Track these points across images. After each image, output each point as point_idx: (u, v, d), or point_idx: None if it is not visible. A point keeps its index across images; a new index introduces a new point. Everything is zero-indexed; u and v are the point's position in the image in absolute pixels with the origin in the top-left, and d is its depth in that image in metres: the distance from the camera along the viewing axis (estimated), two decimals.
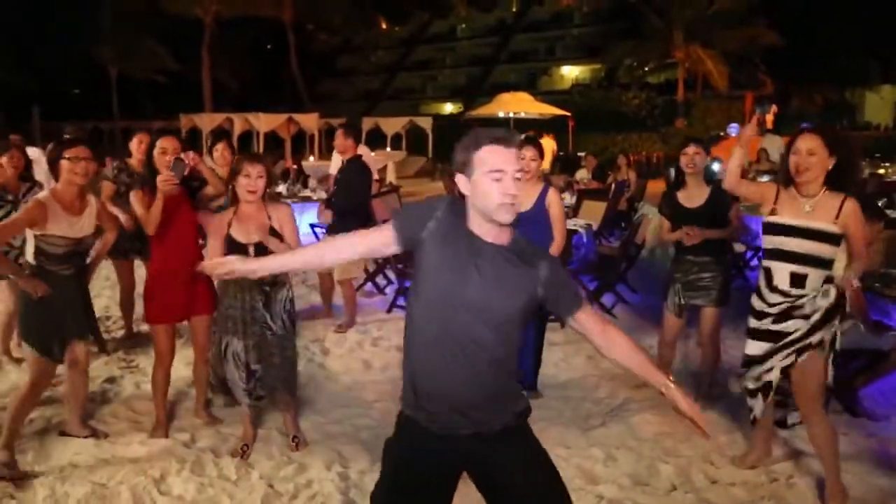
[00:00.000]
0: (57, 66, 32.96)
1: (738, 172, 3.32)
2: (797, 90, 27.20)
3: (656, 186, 11.51)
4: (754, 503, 3.15)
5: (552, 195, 4.19)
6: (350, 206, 5.54)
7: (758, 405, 3.26)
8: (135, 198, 3.60)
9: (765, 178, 10.21)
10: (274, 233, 3.46)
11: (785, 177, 3.07)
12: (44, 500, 3.23)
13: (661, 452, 3.60)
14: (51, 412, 4.15)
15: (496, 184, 1.90)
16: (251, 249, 3.39)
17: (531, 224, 4.16)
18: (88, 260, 3.78)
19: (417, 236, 1.99)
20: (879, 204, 6.68)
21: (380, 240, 2.08)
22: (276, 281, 3.50)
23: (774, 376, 3.14)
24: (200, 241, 3.97)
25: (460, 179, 1.98)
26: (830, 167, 2.97)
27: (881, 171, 10.79)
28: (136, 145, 5.16)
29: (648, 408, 4.12)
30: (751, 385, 3.28)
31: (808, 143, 2.95)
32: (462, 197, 1.99)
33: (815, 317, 3.02)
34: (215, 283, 3.69)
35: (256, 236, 3.41)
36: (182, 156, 3.51)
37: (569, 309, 2.07)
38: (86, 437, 3.76)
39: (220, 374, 3.62)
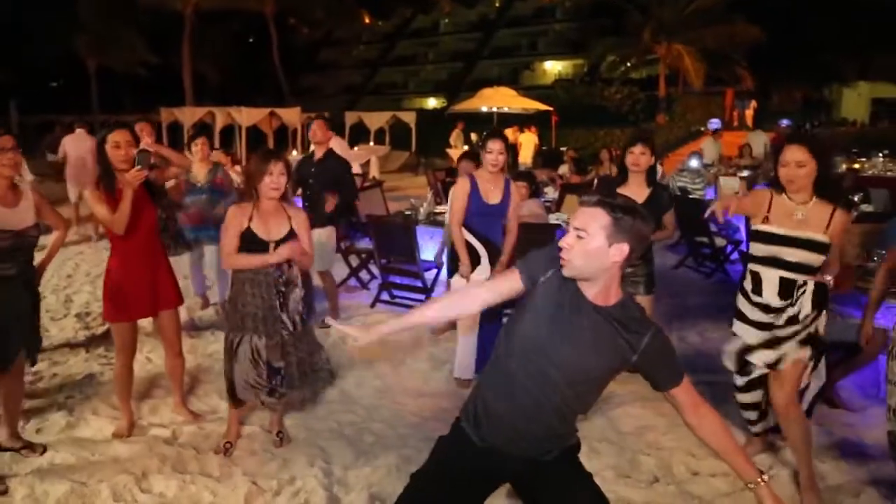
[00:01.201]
0: (35, 58, 32.35)
1: None
2: (777, 86, 27.46)
3: None
4: (735, 494, 3.17)
5: (514, 188, 4.41)
6: (337, 201, 5.49)
7: (754, 420, 3.46)
8: (92, 198, 3.47)
9: (745, 173, 10.34)
10: (294, 235, 3.41)
11: (777, 186, 3.12)
12: (22, 500, 3.19)
13: (643, 445, 3.63)
14: (30, 408, 4.08)
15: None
16: (272, 247, 3.35)
17: (498, 216, 4.34)
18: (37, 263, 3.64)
19: (537, 277, 2.06)
20: (855, 199, 6.78)
21: (509, 287, 2.11)
22: (290, 281, 3.43)
23: (759, 370, 3.19)
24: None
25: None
26: (817, 174, 3.01)
27: (857, 165, 10.93)
28: (199, 151, 5.55)
29: (630, 401, 4.15)
30: (742, 400, 3.43)
31: (797, 156, 2.99)
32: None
33: (803, 315, 3.07)
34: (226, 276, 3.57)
35: (277, 235, 3.36)
36: (143, 146, 3.44)
37: (666, 383, 2.09)
38: (19, 449, 3.55)
39: (227, 372, 3.50)
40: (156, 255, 3.72)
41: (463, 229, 4.29)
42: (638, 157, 3.99)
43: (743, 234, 7.30)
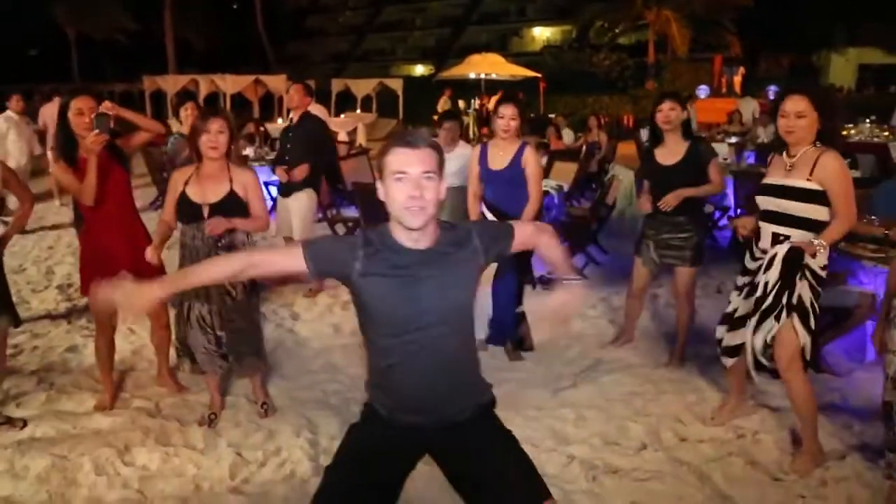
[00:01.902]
0: (12, 26, 31.50)
1: None
2: (765, 53, 27.27)
3: (627, 148, 11.51)
4: (722, 459, 3.16)
5: (529, 154, 4.06)
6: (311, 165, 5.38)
7: (728, 360, 3.34)
8: (58, 169, 3.36)
9: (734, 140, 10.28)
10: (236, 197, 3.29)
11: (777, 142, 3.03)
12: (2, 474, 3.12)
13: (631, 412, 3.60)
14: (8, 384, 4.00)
15: (398, 184, 1.86)
16: (205, 210, 3.24)
17: (505, 183, 4.10)
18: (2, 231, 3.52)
19: (343, 275, 1.95)
20: None
21: (294, 265, 1.99)
22: (232, 246, 3.31)
23: (757, 343, 3.07)
24: None
25: (379, 188, 1.96)
26: (820, 128, 2.90)
27: (844, 132, 10.89)
28: (188, 117, 5.12)
29: (618, 369, 4.13)
30: (724, 340, 3.31)
31: (797, 105, 2.88)
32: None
33: (774, 270, 2.93)
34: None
35: (213, 197, 3.24)
36: (102, 109, 3.28)
37: (507, 242, 2.09)
38: None
39: (181, 339, 3.47)
40: (132, 223, 3.60)
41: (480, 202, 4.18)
42: (668, 113, 3.86)
43: (731, 201, 7.26)
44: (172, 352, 4.07)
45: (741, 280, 3.24)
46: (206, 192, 3.26)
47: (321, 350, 4.52)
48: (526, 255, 4.24)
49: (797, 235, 2.92)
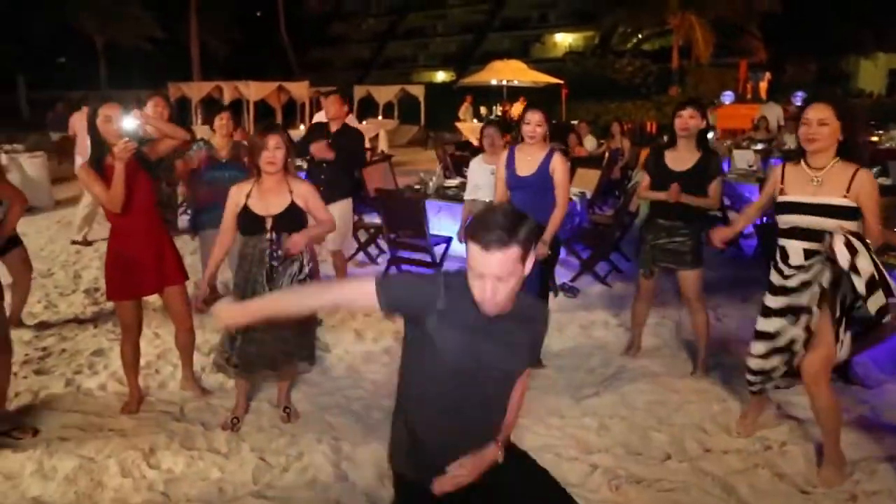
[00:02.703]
0: (43, 35, 32.10)
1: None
2: (791, 58, 26.89)
3: (647, 154, 11.40)
4: (748, 471, 3.12)
5: (557, 160, 4.05)
6: (347, 174, 5.51)
7: (754, 381, 3.29)
8: (87, 177, 3.39)
9: (760, 146, 10.15)
10: (296, 207, 3.36)
11: (797, 149, 3.01)
12: (31, 475, 3.18)
13: (655, 421, 3.58)
14: (38, 385, 4.09)
15: (477, 282, 1.80)
16: (269, 222, 3.31)
17: (531, 189, 4.08)
18: None
19: (418, 318, 1.90)
20: (873, 171, 6.61)
21: (363, 303, 1.94)
22: (286, 255, 3.35)
23: (795, 339, 3.08)
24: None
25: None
26: (842, 139, 2.89)
27: (874, 138, 10.70)
28: (222, 126, 5.10)
29: (641, 377, 4.10)
30: (753, 365, 3.25)
31: (819, 114, 2.88)
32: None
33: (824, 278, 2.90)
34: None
35: (276, 209, 3.32)
36: (131, 117, 3.36)
37: (523, 362, 2.06)
38: (8, 432, 3.45)
39: (228, 342, 3.45)
40: (157, 231, 3.65)
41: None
42: (686, 120, 3.87)
43: (778, 220, 7.14)
44: (197, 356, 4.15)
45: (777, 302, 3.12)
46: (269, 205, 3.33)
47: (343, 356, 4.54)
48: (551, 262, 4.24)
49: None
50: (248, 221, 3.34)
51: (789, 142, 10.15)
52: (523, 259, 1.78)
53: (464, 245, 1.95)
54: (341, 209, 5.38)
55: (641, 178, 4.36)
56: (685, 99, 4.12)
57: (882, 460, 3.19)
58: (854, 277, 2.75)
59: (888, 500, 2.91)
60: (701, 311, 4.11)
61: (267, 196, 3.34)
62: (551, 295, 5.11)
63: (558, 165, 4.03)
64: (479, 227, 1.75)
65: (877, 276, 2.73)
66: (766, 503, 2.89)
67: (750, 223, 3.47)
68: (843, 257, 2.76)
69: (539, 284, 4.20)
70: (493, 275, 1.76)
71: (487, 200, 4.86)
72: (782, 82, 24.16)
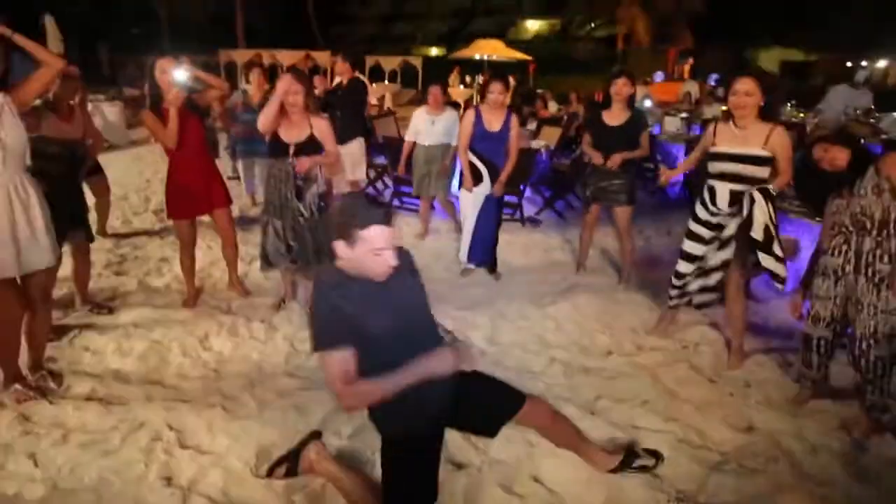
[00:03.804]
0: (120, 9, 30.16)
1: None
2: (710, 47, 26.07)
3: None
4: (670, 364, 3.06)
5: (514, 120, 3.92)
6: (359, 118, 5.30)
7: (675, 298, 3.23)
8: (147, 119, 3.19)
9: (684, 115, 9.83)
10: (314, 139, 3.17)
11: (726, 114, 2.88)
12: (112, 353, 3.06)
13: (600, 325, 3.48)
14: (117, 283, 3.92)
15: (379, 259, 1.62)
16: (292, 148, 3.16)
17: (496, 141, 3.90)
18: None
19: (353, 329, 1.64)
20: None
21: (350, 366, 1.64)
22: (308, 178, 3.21)
23: (712, 265, 3.02)
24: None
25: (339, 245, 1.64)
26: (762, 103, 2.75)
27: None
28: (256, 80, 5.40)
29: (590, 290, 3.98)
30: (675, 281, 3.17)
31: (746, 86, 2.75)
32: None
33: (758, 209, 2.74)
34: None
35: (297, 139, 3.16)
36: (181, 69, 3.14)
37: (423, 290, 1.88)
38: (34, 386, 2.64)
39: (262, 245, 3.37)
40: (207, 163, 3.43)
41: (469, 152, 3.93)
42: (621, 87, 3.72)
43: (681, 161, 6.95)
44: (240, 265, 3.97)
45: (705, 232, 2.99)
46: (292, 135, 3.15)
47: None
48: (510, 191, 4.09)
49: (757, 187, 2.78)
50: (276, 146, 3.17)
51: (707, 112, 9.84)
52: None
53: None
54: (357, 146, 5.15)
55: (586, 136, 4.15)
56: (618, 70, 3.87)
57: (769, 355, 3.14)
58: (754, 224, 2.70)
59: (773, 387, 2.87)
60: (629, 240, 4.02)
61: (292, 128, 3.16)
62: (518, 224, 4.95)
63: (515, 124, 3.91)
64: (376, 214, 1.62)
65: (770, 226, 2.69)
66: (683, 389, 2.83)
67: (689, 168, 3.34)
68: (746, 208, 2.73)
69: (495, 216, 4.07)
70: (392, 244, 1.64)
71: (427, 144, 4.71)
72: (702, 66, 23.49)
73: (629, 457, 2.18)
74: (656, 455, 2.21)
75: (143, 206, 5.95)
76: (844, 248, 2.45)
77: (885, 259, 2.34)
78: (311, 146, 3.17)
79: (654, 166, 6.89)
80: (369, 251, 1.62)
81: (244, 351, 3.11)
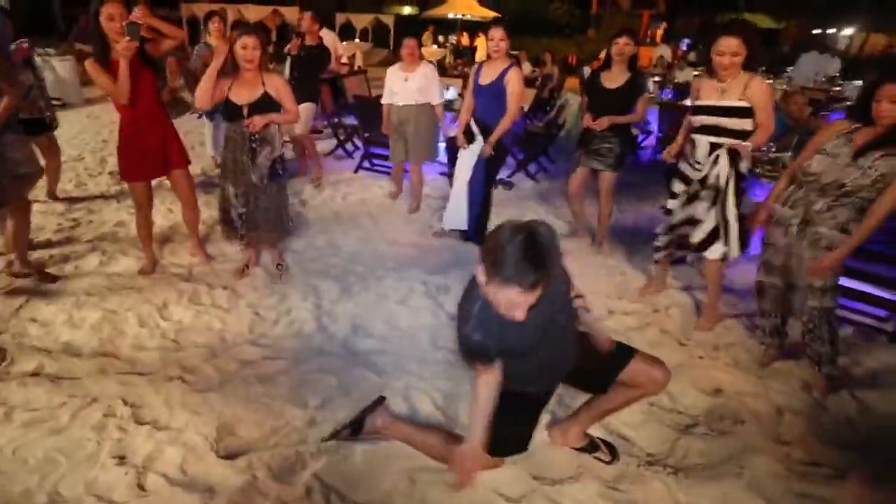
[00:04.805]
0: None
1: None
2: (682, 12, 25.75)
3: (571, 82, 10.82)
4: (642, 328, 3.03)
5: (512, 73, 3.53)
6: (314, 78, 5.05)
7: (661, 253, 3.18)
8: (93, 70, 2.82)
9: (657, 79, 9.69)
10: (268, 97, 2.93)
11: (709, 72, 2.74)
12: (62, 324, 2.85)
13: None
14: (69, 249, 3.65)
15: (507, 310, 1.46)
16: (245, 110, 2.92)
17: (490, 96, 3.62)
18: None
19: (498, 338, 1.59)
20: None
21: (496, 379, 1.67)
22: (263, 139, 2.99)
23: (692, 220, 2.94)
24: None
25: (479, 270, 1.46)
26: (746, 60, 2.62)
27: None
28: (216, 29, 4.86)
29: (565, 256, 3.89)
30: (660, 234, 3.15)
31: (731, 46, 2.58)
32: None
33: (722, 163, 2.75)
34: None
35: (250, 99, 2.92)
36: (132, 18, 2.75)
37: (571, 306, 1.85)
38: (27, 275, 3.22)
39: (220, 209, 3.17)
40: (161, 121, 3.12)
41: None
42: (622, 47, 3.45)
43: (654, 125, 6.87)
44: (201, 228, 3.74)
45: (680, 187, 2.96)
46: (244, 95, 2.91)
47: (324, 230, 4.19)
48: (496, 162, 3.88)
49: (728, 142, 2.72)
50: (229, 109, 2.93)
51: (679, 76, 9.72)
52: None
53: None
54: (307, 108, 4.85)
55: (572, 100, 3.97)
56: (621, 28, 3.65)
57: (736, 319, 3.13)
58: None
59: (740, 350, 2.87)
60: (608, 205, 3.87)
61: (243, 88, 2.92)
62: (507, 193, 4.77)
63: (513, 78, 3.53)
64: (526, 279, 1.36)
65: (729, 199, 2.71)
66: (654, 352, 2.72)
67: (686, 134, 3.12)
68: (723, 161, 2.72)
69: (483, 180, 3.87)
70: (527, 303, 1.43)
71: (400, 105, 4.29)
72: (675, 31, 23.27)
73: (592, 445, 2.17)
74: (613, 453, 2.15)
75: (98, 167, 5.57)
76: (798, 201, 2.42)
77: (831, 223, 2.32)
78: (265, 105, 2.94)
79: (645, 132, 6.80)
80: (501, 299, 1.44)
81: (205, 320, 2.94)
